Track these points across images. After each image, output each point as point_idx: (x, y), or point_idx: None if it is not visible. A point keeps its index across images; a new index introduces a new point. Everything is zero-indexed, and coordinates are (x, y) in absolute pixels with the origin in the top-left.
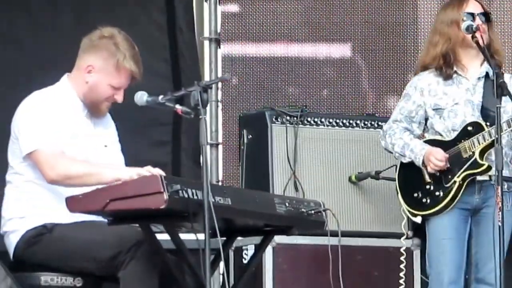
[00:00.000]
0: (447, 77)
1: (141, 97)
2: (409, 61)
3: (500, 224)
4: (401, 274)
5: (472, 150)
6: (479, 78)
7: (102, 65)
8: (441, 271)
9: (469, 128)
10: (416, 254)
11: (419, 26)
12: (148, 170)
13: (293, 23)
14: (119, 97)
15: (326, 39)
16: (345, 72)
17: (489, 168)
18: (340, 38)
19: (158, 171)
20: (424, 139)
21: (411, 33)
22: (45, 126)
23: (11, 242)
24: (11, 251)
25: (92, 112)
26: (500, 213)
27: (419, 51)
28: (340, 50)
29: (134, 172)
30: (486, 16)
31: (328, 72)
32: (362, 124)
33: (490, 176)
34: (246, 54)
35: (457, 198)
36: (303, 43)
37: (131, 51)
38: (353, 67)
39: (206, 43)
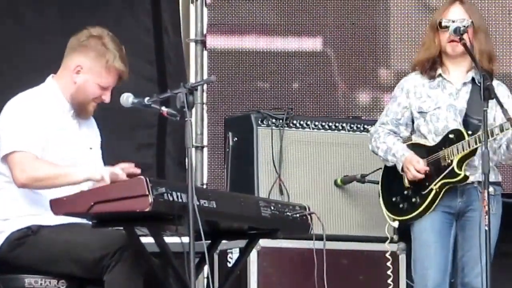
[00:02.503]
0: (431, 77)
1: (126, 98)
2: (380, 53)
3: (486, 228)
4: (387, 279)
5: (451, 159)
6: (464, 83)
7: (91, 65)
8: (425, 275)
9: (451, 135)
10: (402, 258)
11: (390, 18)
12: (121, 168)
13: (264, 17)
14: (107, 97)
15: (297, 32)
16: (315, 65)
17: (465, 178)
18: (311, 31)
19: (131, 169)
20: (408, 143)
21: (382, 25)
22: (26, 128)
23: None
24: None
25: (78, 113)
26: (486, 217)
27: (391, 42)
28: (311, 43)
29: (106, 171)
30: (469, 25)
31: (299, 65)
32: (348, 127)
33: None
34: (216, 47)
35: (434, 205)
36: (273, 36)
37: (120, 51)
38: (323, 59)
39: (192, 45)
